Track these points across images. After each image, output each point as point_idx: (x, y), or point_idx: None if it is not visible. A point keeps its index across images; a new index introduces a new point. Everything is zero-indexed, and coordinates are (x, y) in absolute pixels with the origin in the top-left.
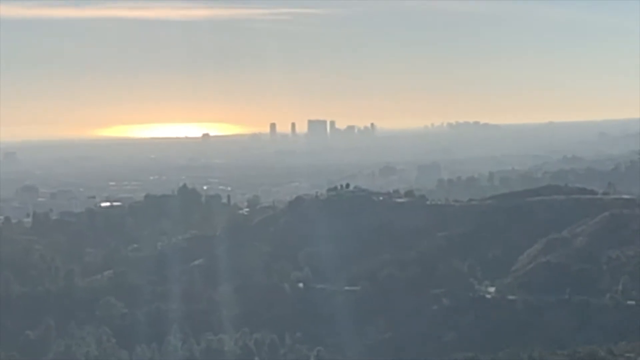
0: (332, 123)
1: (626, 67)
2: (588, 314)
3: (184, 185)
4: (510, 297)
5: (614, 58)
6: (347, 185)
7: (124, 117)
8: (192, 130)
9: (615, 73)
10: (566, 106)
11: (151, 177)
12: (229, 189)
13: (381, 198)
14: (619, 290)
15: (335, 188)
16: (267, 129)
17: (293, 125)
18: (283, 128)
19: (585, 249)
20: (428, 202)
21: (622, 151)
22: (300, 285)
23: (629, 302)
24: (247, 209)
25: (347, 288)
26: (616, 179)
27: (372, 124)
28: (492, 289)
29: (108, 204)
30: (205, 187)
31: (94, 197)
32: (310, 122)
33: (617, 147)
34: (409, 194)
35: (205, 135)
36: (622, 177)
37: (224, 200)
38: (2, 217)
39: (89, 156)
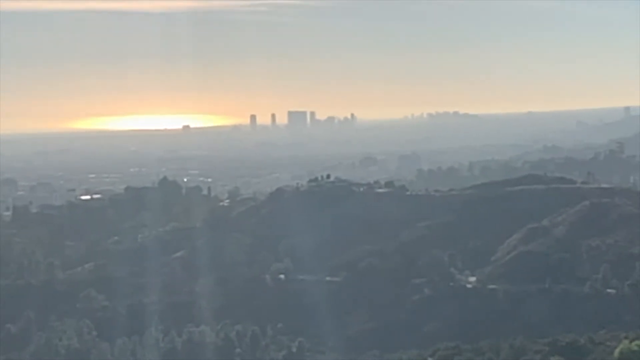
0: (312, 114)
1: (604, 57)
2: (568, 303)
3: (165, 177)
4: (491, 287)
5: (591, 48)
6: (328, 176)
7: (102, 109)
8: (172, 122)
9: (593, 62)
10: (545, 96)
11: (131, 170)
12: (210, 180)
13: (362, 189)
14: (598, 278)
15: (316, 179)
16: (248, 121)
17: (273, 116)
18: (263, 119)
19: (565, 238)
20: (408, 193)
21: (600, 140)
22: (282, 276)
23: (609, 291)
24: (227, 201)
25: (328, 279)
26: (595, 168)
27: (352, 115)
28: (472, 279)
29: (88, 196)
30: (185, 179)
31: (74, 190)
32: (290, 113)
33: (596, 136)
34: (389, 184)
35: (186, 127)
36: (601, 166)
37: (205, 192)
38: None
39: (68, 149)
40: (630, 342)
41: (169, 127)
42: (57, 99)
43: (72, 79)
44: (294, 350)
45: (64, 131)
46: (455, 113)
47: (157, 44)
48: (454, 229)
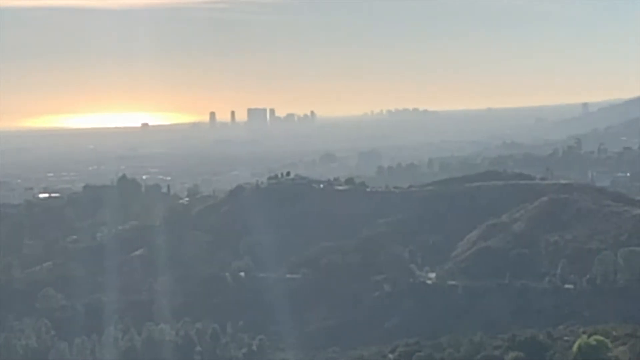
0: (272, 111)
1: (562, 54)
2: (527, 298)
3: (124, 176)
4: (451, 283)
5: (549, 45)
6: (288, 174)
7: (59, 107)
8: (130, 119)
9: (551, 59)
10: (504, 93)
11: (90, 168)
12: (169, 178)
13: (322, 186)
14: (557, 274)
15: (276, 176)
16: (207, 118)
17: (233, 113)
18: (223, 117)
19: (524, 233)
20: (368, 189)
21: (559, 136)
22: (242, 274)
23: (567, 286)
24: (187, 199)
25: (288, 276)
26: (554, 164)
27: (312, 112)
28: (432, 275)
29: (46, 195)
30: (144, 177)
31: (32, 189)
32: (249, 110)
33: (554, 132)
34: (349, 181)
35: (145, 125)
36: (560, 162)
37: (164, 190)
38: None
39: (25, 147)
40: (589, 337)
41: (128, 125)
42: (12, 97)
43: (28, 75)
44: (255, 348)
45: (20, 129)
46: (415, 110)
47: (116, 41)
48: (413, 226)
